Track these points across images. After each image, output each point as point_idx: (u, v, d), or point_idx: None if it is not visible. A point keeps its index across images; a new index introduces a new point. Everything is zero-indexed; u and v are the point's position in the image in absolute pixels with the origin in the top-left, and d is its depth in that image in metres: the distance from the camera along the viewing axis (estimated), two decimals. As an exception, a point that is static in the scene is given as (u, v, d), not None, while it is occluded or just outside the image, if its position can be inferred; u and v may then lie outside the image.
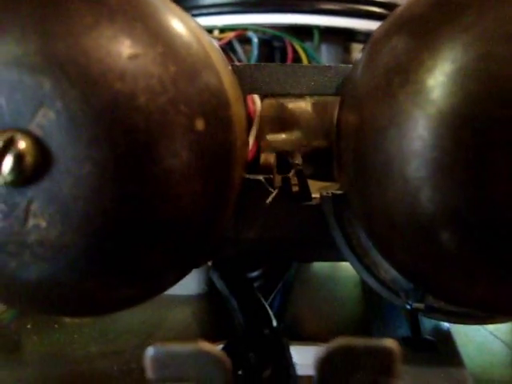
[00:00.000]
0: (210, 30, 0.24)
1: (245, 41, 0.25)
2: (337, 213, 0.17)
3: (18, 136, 0.12)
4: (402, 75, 0.13)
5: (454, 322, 0.18)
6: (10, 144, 0.12)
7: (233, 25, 0.24)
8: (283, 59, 0.26)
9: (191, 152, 0.13)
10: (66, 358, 0.16)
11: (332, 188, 0.19)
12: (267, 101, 0.16)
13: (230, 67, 0.16)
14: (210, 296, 0.20)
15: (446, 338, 0.17)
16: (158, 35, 0.13)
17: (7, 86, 0.12)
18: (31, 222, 0.12)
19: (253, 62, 0.24)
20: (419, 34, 0.13)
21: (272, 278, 0.19)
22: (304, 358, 0.17)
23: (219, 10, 0.25)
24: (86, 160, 0.12)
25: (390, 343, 0.11)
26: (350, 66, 0.16)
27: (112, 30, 0.12)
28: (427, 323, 0.18)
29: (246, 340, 0.14)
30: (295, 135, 0.16)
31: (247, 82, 0.16)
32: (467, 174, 0.12)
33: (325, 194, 0.17)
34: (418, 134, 0.13)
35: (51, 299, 0.14)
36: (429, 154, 0.12)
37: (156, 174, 0.12)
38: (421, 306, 0.17)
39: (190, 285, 0.17)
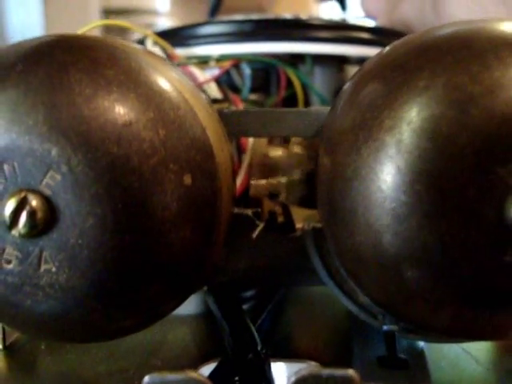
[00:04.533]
0: (206, 59, 0.26)
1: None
2: (317, 244, 0.19)
3: (30, 195, 0.14)
4: (365, 131, 0.15)
5: (428, 341, 0.20)
6: (23, 202, 0.14)
7: (228, 54, 0.26)
8: (279, 82, 0.28)
9: (180, 204, 0.15)
10: (76, 376, 0.19)
11: (316, 217, 0.21)
12: (254, 149, 0.18)
13: (216, 114, 0.18)
14: (207, 315, 0.22)
15: (419, 356, 0.19)
16: (149, 102, 0.15)
17: (19, 152, 0.14)
18: (43, 267, 0.15)
19: (245, 93, 0.26)
20: (381, 94, 0.15)
21: (263, 299, 0.21)
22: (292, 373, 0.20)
23: (215, 39, 0.27)
24: (88, 215, 0.14)
25: (351, 372, 0.14)
26: (329, 109, 0.18)
27: (108, 100, 0.14)
28: (403, 342, 0.20)
29: (232, 364, 0.16)
30: (279, 180, 0.18)
31: (235, 127, 0.19)
32: (422, 223, 0.14)
33: (306, 227, 0.19)
34: (378, 186, 0.15)
35: (62, 330, 0.16)
36: (388, 205, 0.14)
37: (149, 225, 0.15)
38: (395, 327, 0.19)
39: (188, 305, 0.19)
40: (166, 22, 0.64)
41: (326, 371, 0.14)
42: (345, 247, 0.16)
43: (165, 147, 0.15)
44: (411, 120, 0.14)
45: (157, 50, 0.25)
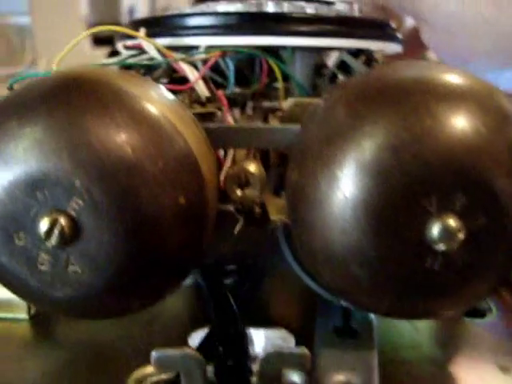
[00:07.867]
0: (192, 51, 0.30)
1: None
2: (287, 235, 0.24)
3: (60, 216, 0.19)
4: (322, 162, 0.20)
5: (377, 316, 0.26)
6: (55, 222, 0.19)
7: (215, 46, 0.30)
8: (261, 71, 0.32)
9: (175, 218, 0.20)
10: (90, 341, 0.25)
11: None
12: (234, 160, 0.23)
13: (202, 132, 0.23)
14: (197, 286, 0.28)
15: (368, 327, 0.25)
16: (149, 140, 0.20)
17: (50, 182, 0.19)
18: (70, 268, 0.20)
19: (230, 87, 0.30)
20: (335, 134, 0.20)
21: (243, 274, 0.27)
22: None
23: (202, 31, 0.31)
24: (104, 231, 0.20)
25: (303, 350, 0.20)
26: (299, 127, 0.23)
27: (119, 139, 0.19)
28: (357, 315, 0.26)
29: (216, 337, 0.23)
30: (252, 191, 0.23)
31: (219, 140, 0.24)
32: (361, 237, 0.20)
33: (278, 223, 0.24)
34: (331, 208, 0.20)
35: (84, 312, 0.22)
36: (337, 223, 0.20)
37: (152, 235, 0.20)
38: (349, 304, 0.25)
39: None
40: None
41: (287, 349, 0.20)
42: (305, 248, 0.22)
43: (164, 176, 0.20)
44: (357, 159, 0.19)
45: (151, 48, 0.29)
